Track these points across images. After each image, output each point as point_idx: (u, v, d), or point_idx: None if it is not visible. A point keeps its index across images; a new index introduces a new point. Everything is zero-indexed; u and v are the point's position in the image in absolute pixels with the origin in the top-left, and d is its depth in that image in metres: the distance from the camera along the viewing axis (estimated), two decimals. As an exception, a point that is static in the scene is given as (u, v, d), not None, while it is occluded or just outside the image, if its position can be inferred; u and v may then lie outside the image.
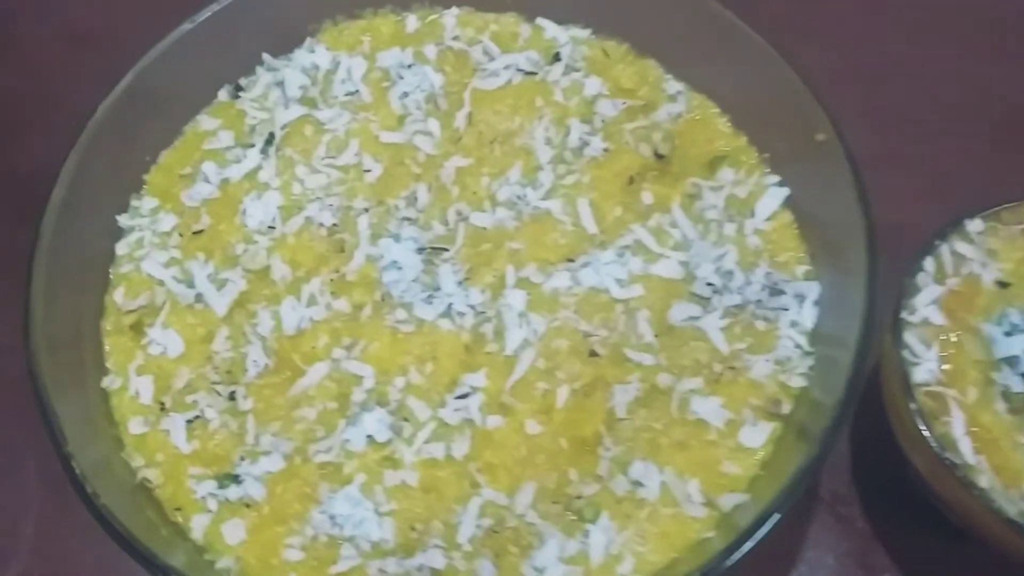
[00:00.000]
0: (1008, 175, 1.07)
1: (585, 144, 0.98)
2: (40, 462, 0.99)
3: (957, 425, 0.85)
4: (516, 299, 0.89)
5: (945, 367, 0.88)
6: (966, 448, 0.84)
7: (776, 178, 0.96)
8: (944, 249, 0.92)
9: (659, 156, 0.98)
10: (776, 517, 0.74)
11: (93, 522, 0.91)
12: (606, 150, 0.98)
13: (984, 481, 0.83)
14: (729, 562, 0.73)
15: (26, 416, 0.99)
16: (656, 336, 0.88)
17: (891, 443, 0.89)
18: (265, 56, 1.03)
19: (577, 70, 1.03)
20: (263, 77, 1.03)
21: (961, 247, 0.92)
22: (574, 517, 0.81)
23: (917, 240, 0.88)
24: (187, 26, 0.97)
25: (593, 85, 1.01)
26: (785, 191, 0.95)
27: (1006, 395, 0.87)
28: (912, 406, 0.85)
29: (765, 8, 0.97)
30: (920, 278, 0.91)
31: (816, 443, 0.76)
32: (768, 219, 0.94)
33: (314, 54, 1.03)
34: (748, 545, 0.74)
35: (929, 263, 0.91)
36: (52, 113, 1.19)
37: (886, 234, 0.85)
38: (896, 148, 1.05)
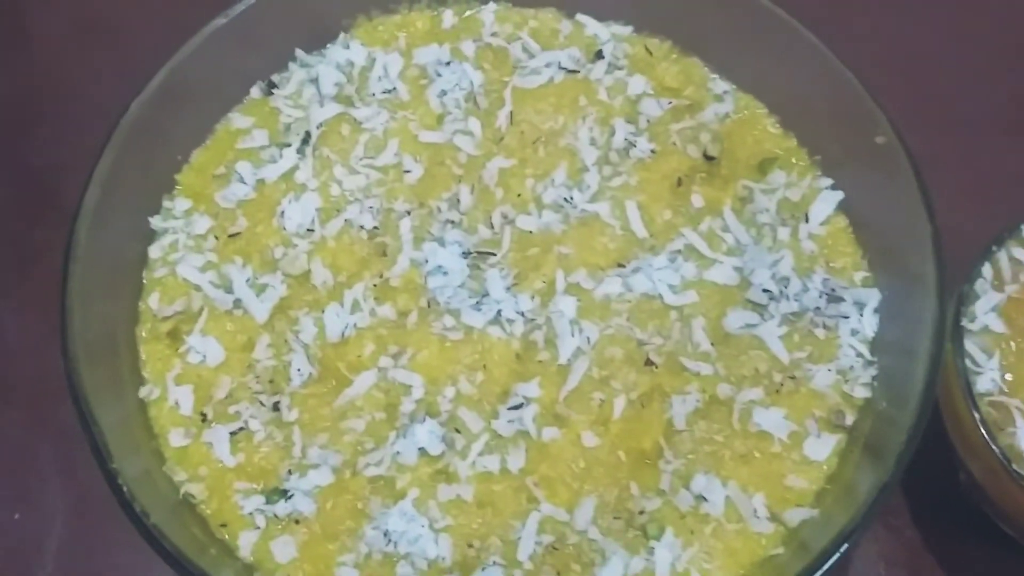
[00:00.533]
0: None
1: (631, 145, 0.95)
2: (64, 473, 0.95)
3: (1022, 435, 0.83)
4: (567, 306, 0.86)
5: (1007, 376, 0.86)
6: (1034, 457, 0.82)
7: (829, 181, 0.93)
8: (1002, 255, 0.90)
9: (708, 157, 0.95)
10: (852, 540, 0.72)
11: (118, 538, 0.89)
12: (653, 151, 0.95)
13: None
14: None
15: (47, 423, 0.97)
16: (713, 344, 0.86)
17: (942, 452, 0.87)
18: (298, 52, 0.99)
19: (620, 68, 1.00)
20: (296, 74, 0.99)
21: (1019, 252, 0.90)
22: (637, 533, 0.79)
23: (968, 244, 0.86)
24: (220, 20, 0.93)
25: (637, 84, 0.99)
26: (839, 194, 0.92)
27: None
28: (976, 416, 0.83)
29: (798, 7, 0.94)
30: (979, 285, 0.89)
31: (891, 460, 0.73)
32: (823, 223, 0.92)
33: (348, 50, 0.99)
34: (823, 569, 0.71)
35: (987, 269, 0.89)
36: (66, 107, 1.15)
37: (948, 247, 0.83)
38: (941, 150, 1.02)
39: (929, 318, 0.79)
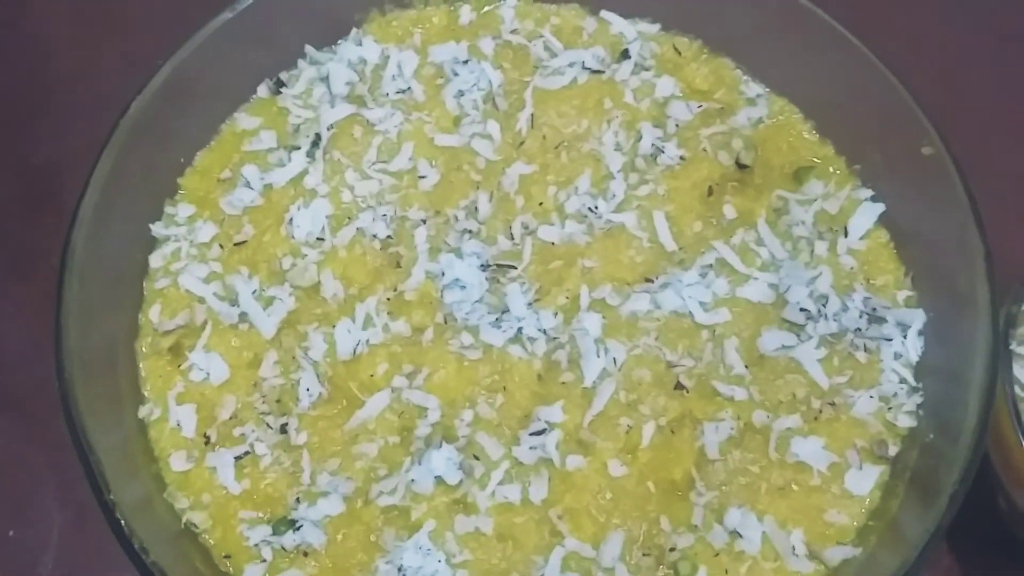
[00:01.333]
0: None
1: (659, 151, 0.90)
2: (61, 487, 0.90)
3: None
4: (592, 323, 0.81)
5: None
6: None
7: (869, 192, 0.89)
8: (1050, 274, 0.85)
9: (741, 165, 0.90)
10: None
11: (117, 556, 0.84)
12: (682, 158, 0.90)
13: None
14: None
15: (44, 433, 0.92)
16: (747, 367, 0.81)
17: (983, 476, 0.82)
18: (308, 48, 0.94)
19: (647, 69, 0.95)
20: (306, 71, 0.94)
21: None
22: (669, 572, 0.74)
23: (1010, 260, 0.81)
24: (227, 15, 0.88)
25: (666, 86, 0.94)
26: (880, 207, 0.87)
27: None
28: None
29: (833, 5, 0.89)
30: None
31: (943, 500, 0.68)
32: (862, 237, 0.87)
33: (361, 47, 0.94)
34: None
35: (1035, 290, 0.84)
36: (68, 102, 1.10)
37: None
38: (979, 158, 0.97)
39: (981, 344, 0.74)
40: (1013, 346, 0.83)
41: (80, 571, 0.89)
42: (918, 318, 0.82)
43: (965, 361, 0.75)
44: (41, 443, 0.93)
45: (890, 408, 0.80)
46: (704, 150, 0.91)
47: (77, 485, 0.89)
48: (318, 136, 0.90)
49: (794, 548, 0.75)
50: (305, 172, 0.89)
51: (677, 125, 0.92)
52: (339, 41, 0.96)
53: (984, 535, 0.88)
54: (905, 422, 0.79)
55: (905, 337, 0.82)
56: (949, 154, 0.81)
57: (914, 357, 0.81)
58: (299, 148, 0.90)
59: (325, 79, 0.93)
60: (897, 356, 0.81)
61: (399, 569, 0.73)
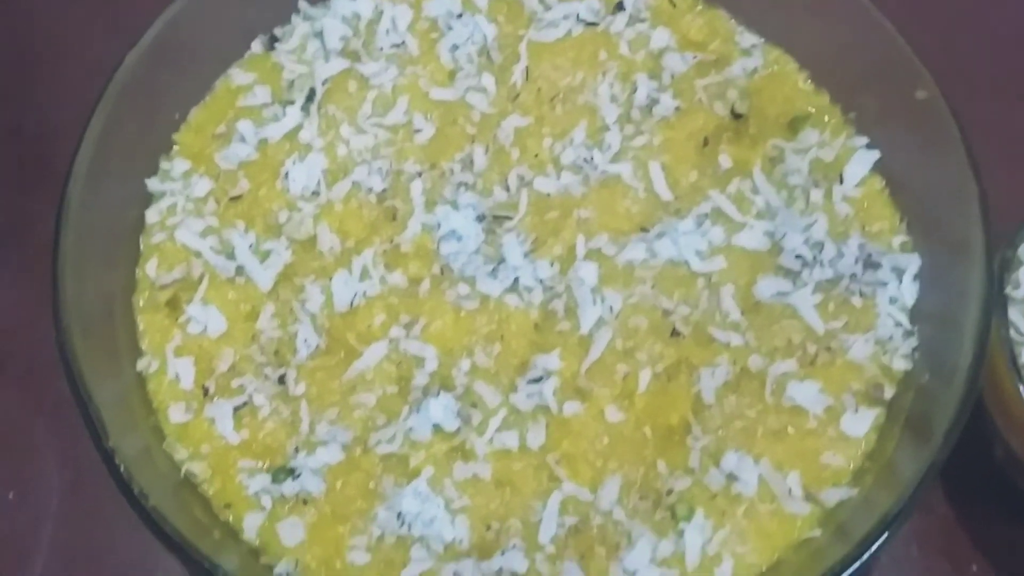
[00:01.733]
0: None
1: (654, 102, 0.90)
2: (60, 450, 0.91)
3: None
4: (588, 272, 0.82)
5: (1053, 346, 0.82)
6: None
7: (864, 140, 0.88)
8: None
9: (736, 115, 0.90)
10: (896, 524, 0.67)
11: (117, 517, 0.84)
12: (677, 109, 0.90)
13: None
14: (847, 573, 0.66)
15: (42, 399, 0.92)
16: (743, 313, 0.81)
17: (976, 426, 0.82)
18: (302, 4, 0.94)
19: (642, 20, 0.95)
20: (300, 27, 0.94)
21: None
22: (665, 514, 0.74)
23: (1006, 211, 0.81)
24: (219, -30, 0.87)
25: (660, 37, 0.93)
26: (875, 154, 0.87)
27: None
28: (1021, 389, 0.79)
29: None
30: (1022, 250, 0.85)
31: (938, 437, 0.69)
32: (858, 185, 0.87)
33: (355, 2, 0.94)
34: (866, 555, 0.67)
35: (1029, 237, 0.84)
36: (60, 69, 1.10)
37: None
38: (978, 114, 0.97)
39: (975, 286, 0.75)
40: (1008, 290, 0.83)
41: (80, 532, 0.89)
42: (913, 263, 0.82)
43: (960, 304, 0.76)
44: (39, 407, 0.93)
45: (885, 352, 0.80)
46: (699, 101, 0.91)
47: (76, 448, 0.90)
48: (312, 91, 0.90)
49: (790, 490, 0.75)
50: (300, 127, 0.89)
51: (672, 76, 0.92)
52: (333, -4, 0.96)
53: (981, 485, 0.88)
54: (901, 365, 0.79)
55: (900, 282, 0.82)
56: (944, 97, 0.80)
57: (909, 301, 0.82)
58: (293, 103, 0.90)
59: (319, 34, 0.93)
60: (892, 301, 0.82)
61: (398, 515, 0.74)
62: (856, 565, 0.66)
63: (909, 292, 0.81)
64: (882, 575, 0.88)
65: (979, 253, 0.75)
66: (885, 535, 0.66)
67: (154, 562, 0.87)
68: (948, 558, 0.88)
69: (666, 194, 0.86)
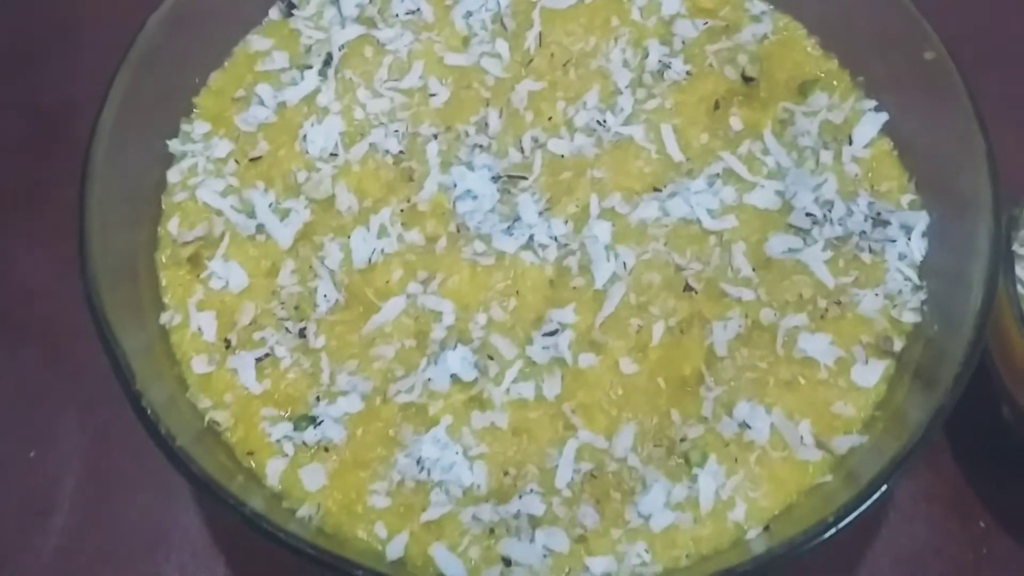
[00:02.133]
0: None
1: (666, 67, 0.92)
2: (81, 411, 0.92)
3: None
4: (602, 230, 0.83)
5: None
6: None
7: (872, 103, 0.90)
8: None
9: (747, 79, 0.92)
10: (903, 467, 0.69)
11: (137, 477, 0.86)
12: (688, 73, 0.92)
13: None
14: (856, 514, 0.68)
15: (63, 362, 0.94)
16: (754, 270, 0.83)
17: (983, 387, 0.84)
18: (318, -28, 0.95)
19: (653, -12, 0.96)
20: (316, -6, 0.95)
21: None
22: (679, 461, 0.76)
23: (1015, 175, 0.82)
24: (235, -61, 0.89)
25: (671, 4, 0.95)
26: (884, 116, 0.89)
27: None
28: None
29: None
30: (1025, 212, 0.86)
31: (947, 384, 0.70)
32: (867, 146, 0.88)
33: (370, -30, 0.95)
34: (874, 497, 0.68)
35: (1036, 198, 0.86)
36: (74, 43, 1.12)
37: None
38: (986, 82, 0.98)
39: (982, 239, 0.76)
40: (1015, 247, 0.84)
41: (102, 490, 0.91)
42: (921, 220, 0.84)
43: (967, 258, 0.77)
44: (61, 370, 0.95)
45: (895, 306, 0.81)
46: (710, 66, 0.93)
47: (95, 410, 0.92)
48: (329, 56, 0.92)
49: (802, 438, 0.76)
50: (318, 91, 0.90)
51: (683, 42, 0.94)
52: (349, -35, 0.97)
53: (988, 446, 0.90)
54: (910, 318, 0.81)
55: (909, 238, 0.83)
56: (951, 55, 0.82)
57: (918, 257, 0.83)
58: (311, 68, 0.91)
59: (335, 2, 0.95)
60: (901, 257, 0.83)
61: (417, 461, 0.75)
62: (865, 506, 0.67)
63: (918, 248, 0.83)
64: (892, 532, 0.89)
65: (987, 208, 0.76)
66: (893, 477, 0.67)
67: (172, 519, 0.88)
68: (957, 515, 0.90)
69: (678, 155, 0.88)
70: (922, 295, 0.81)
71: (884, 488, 0.68)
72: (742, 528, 0.74)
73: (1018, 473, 0.90)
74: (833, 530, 0.66)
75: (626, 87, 0.91)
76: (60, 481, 0.91)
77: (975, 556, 0.88)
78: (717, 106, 0.90)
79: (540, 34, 0.93)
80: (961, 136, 0.80)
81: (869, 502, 0.67)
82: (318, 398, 0.78)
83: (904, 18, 0.85)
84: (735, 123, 0.89)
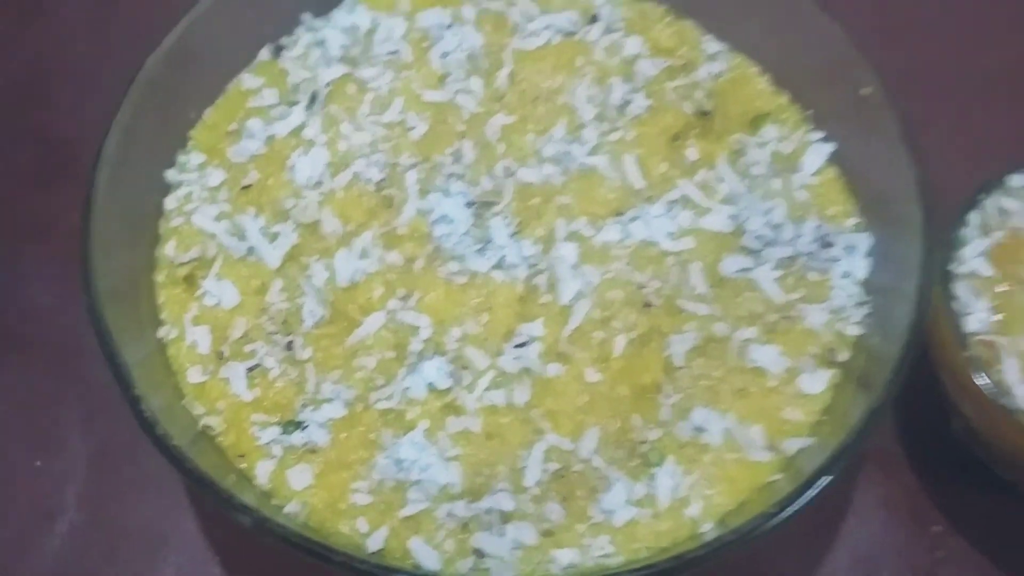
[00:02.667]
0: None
1: (628, 102, 0.99)
2: (85, 423, 0.98)
3: (1010, 371, 0.86)
4: (568, 251, 0.90)
5: (996, 317, 0.89)
6: (1021, 393, 0.85)
7: (820, 134, 0.97)
8: (988, 204, 0.93)
9: (703, 113, 0.98)
10: (843, 460, 0.75)
11: (140, 486, 0.92)
12: (649, 107, 0.98)
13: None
14: (799, 503, 0.73)
15: (67, 377, 0.99)
16: (710, 287, 0.89)
17: (936, 398, 0.90)
18: (304, 17, 1.02)
19: (616, 30, 1.03)
20: (303, 37, 1.02)
21: (1005, 202, 0.93)
22: (639, 461, 0.82)
23: (959, 200, 0.90)
24: (229, -11, 0.96)
25: (633, 45, 1.02)
26: (830, 146, 0.96)
27: (1056, 342, 0.88)
28: (966, 355, 0.86)
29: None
30: (966, 232, 0.92)
31: (880, 389, 0.76)
32: (814, 174, 0.95)
33: (354, 14, 1.02)
34: (818, 486, 0.74)
35: (974, 217, 0.93)
36: (81, 79, 1.18)
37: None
38: (931, 112, 1.05)
39: (915, 259, 0.82)
40: (952, 267, 0.91)
41: (104, 498, 0.96)
42: (864, 241, 0.91)
43: (904, 276, 0.83)
44: (65, 384, 1.00)
45: (840, 320, 0.88)
46: (669, 101, 0.99)
47: (99, 423, 0.98)
48: (315, 93, 0.99)
49: (754, 441, 0.82)
50: (304, 125, 0.97)
51: (644, 79, 1.01)
52: (334, 10, 1.04)
53: (942, 456, 0.96)
54: (853, 331, 0.87)
55: (853, 258, 0.90)
56: (885, 90, 0.89)
57: (861, 275, 0.89)
58: (298, 103, 0.98)
59: (321, 43, 1.02)
60: (846, 275, 0.89)
61: (397, 462, 0.81)
62: (807, 496, 0.73)
63: (861, 267, 0.89)
64: (852, 535, 0.94)
65: (918, 231, 0.83)
66: (833, 469, 0.73)
67: (172, 524, 0.93)
68: (913, 520, 0.95)
69: (639, 183, 0.94)
70: (866, 310, 0.88)
71: (826, 481, 0.74)
72: (697, 523, 0.80)
73: (970, 480, 0.95)
74: (777, 519, 0.72)
75: (591, 120, 0.97)
76: (65, 487, 0.96)
77: (931, 559, 0.93)
78: (676, 138, 0.97)
79: (511, 73, 1.00)
80: (896, 163, 0.87)
81: (811, 492, 0.73)
82: (304, 405, 0.84)
83: (844, 55, 0.92)
84: (692, 153, 0.96)
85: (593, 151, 0.96)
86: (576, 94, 0.99)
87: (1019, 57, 1.17)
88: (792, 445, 0.82)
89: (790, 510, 0.73)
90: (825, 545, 0.94)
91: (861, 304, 0.88)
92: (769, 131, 0.98)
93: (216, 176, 0.94)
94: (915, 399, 0.92)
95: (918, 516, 0.95)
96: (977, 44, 1.19)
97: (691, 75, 1.01)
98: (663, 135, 0.97)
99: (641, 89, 1.00)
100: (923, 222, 0.83)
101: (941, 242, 0.91)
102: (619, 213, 0.93)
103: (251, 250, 0.91)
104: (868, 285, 0.89)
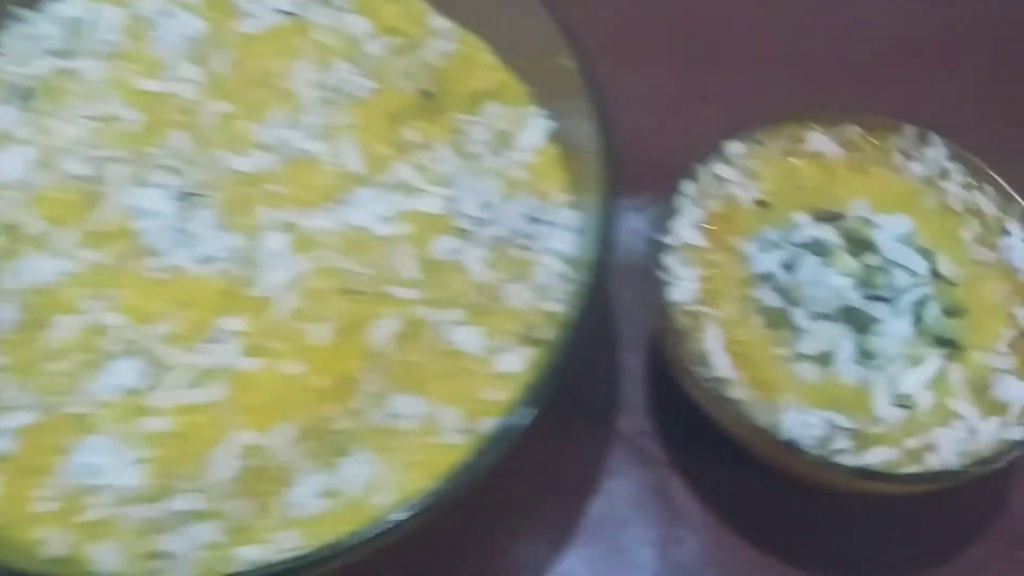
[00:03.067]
0: (767, 100, 1.11)
1: (350, 84, 0.97)
2: None
3: (711, 340, 0.87)
4: (275, 241, 0.89)
5: (707, 287, 0.90)
6: (723, 363, 0.87)
7: (543, 112, 0.97)
8: (703, 172, 0.94)
9: (426, 94, 0.98)
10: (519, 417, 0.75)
11: None
12: (372, 90, 0.97)
13: (742, 395, 0.85)
14: (480, 464, 0.73)
15: None
16: (421, 272, 0.88)
17: (678, 388, 0.91)
18: (16, 9, 0.99)
19: (341, 9, 1.02)
20: (15, 30, 0.99)
21: (721, 169, 0.95)
22: (331, 452, 0.81)
23: (666, 168, 0.92)
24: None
25: (357, 24, 1.01)
26: (549, 124, 0.96)
27: (762, 310, 0.90)
28: (669, 326, 0.87)
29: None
30: (678, 201, 0.93)
31: (551, 349, 0.77)
32: (534, 152, 0.95)
33: (66, 4, 1.00)
34: (499, 448, 0.74)
35: (688, 186, 0.94)
36: None
37: (655, 169, 0.91)
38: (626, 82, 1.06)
39: (599, 232, 0.82)
40: (662, 238, 0.92)
41: None
42: (571, 218, 0.91)
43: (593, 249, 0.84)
44: None
45: (544, 298, 0.88)
46: (393, 81, 0.99)
47: None
48: (27, 89, 0.96)
49: (449, 424, 0.82)
50: (13, 122, 0.94)
51: (369, 60, 1.00)
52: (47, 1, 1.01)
53: (689, 437, 0.99)
54: (556, 308, 0.87)
55: (560, 235, 0.90)
56: (580, 62, 0.89)
57: (567, 252, 0.90)
58: (8, 100, 0.95)
59: (33, 36, 0.99)
60: (552, 252, 0.90)
61: (82, 466, 0.80)
62: (487, 458, 0.74)
63: (567, 244, 0.90)
64: (600, 511, 0.97)
65: (603, 199, 0.83)
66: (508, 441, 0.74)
67: None
68: (661, 496, 0.98)
69: (356, 167, 0.93)
70: (569, 287, 0.88)
71: (503, 443, 0.74)
72: (387, 508, 0.80)
73: (713, 456, 0.98)
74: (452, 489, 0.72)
75: (311, 104, 0.96)
76: None
77: (671, 528, 0.96)
78: (397, 120, 0.96)
79: (233, 58, 0.98)
80: (595, 138, 0.87)
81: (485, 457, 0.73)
82: (-9, 413, 0.82)
83: (547, 29, 0.92)
84: (412, 135, 0.95)
85: (311, 136, 0.95)
86: (297, 78, 0.98)
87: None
88: (488, 424, 0.82)
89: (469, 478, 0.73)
90: (570, 519, 0.96)
91: (566, 280, 0.88)
92: (492, 109, 0.98)
93: (-85, 178, 0.91)
94: (665, 377, 0.94)
95: (666, 493, 0.98)
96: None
97: (418, 55, 1.00)
98: (385, 117, 0.97)
99: (365, 70, 0.99)
100: (604, 196, 0.83)
101: (659, 213, 0.91)
102: (332, 199, 0.92)
103: (-58, 253, 0.88)
104: (577, 262, 0.90)
